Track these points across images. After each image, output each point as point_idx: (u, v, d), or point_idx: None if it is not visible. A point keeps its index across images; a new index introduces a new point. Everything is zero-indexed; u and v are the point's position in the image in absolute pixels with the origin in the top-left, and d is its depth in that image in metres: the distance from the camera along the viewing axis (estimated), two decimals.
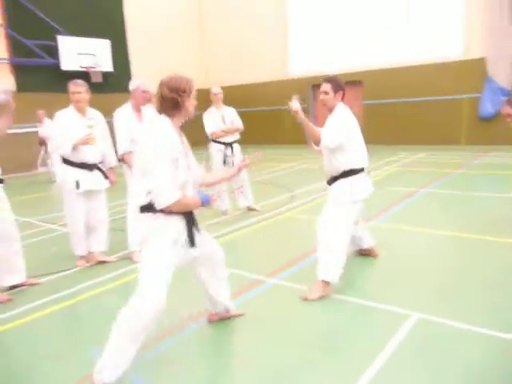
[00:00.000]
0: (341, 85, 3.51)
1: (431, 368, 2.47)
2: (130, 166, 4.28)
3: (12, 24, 12.10)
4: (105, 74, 13.77)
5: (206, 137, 6.17)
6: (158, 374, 2.57)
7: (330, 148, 3.44)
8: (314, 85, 14.60)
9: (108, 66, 13.81)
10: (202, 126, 6.05)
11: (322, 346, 2.79)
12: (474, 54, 11.61)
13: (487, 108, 11.47)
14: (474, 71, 11.60)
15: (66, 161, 4.27)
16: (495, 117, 11.14)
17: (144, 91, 4.38)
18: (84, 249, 4.44)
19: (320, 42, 14.32)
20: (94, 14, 13.63)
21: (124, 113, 4.40)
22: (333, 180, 3.57)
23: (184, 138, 2.55)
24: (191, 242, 2.53)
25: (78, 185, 4.23)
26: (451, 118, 12.23)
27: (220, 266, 2.92)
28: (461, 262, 4.06)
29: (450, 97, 12.12)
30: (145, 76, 4.67)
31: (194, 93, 2.46)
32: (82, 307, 3.55)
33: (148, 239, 2.43)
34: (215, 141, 6.11)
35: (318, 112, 14.84)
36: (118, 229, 5.20)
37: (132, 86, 4.42)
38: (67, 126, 4.16)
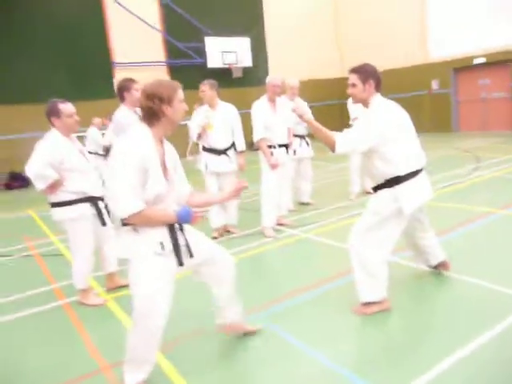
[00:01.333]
0: (370, 72, 2.99)
1: None
2: (264, 152, 4.85)
3: (168, 29, 13.82)
4: (245, 70, 14.84)
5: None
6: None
7: (353, 153, 3.09)
8: (456, 68, 13.70)
9: (248, 62, 14.86)
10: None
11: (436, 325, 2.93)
12: None
13: None
14: None
15: (202, 147, 5.08)
16: None
17: (274, 85, 4.91)
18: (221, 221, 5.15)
19: (461, 21, 13.27)
20: (235, 14, 14.75)
21: (260, 104, 4.97)
22: (376, 189, 3.03)
23: (169, 150, 2.34)
24: (177, 253, 2.26)
25: (206, 166, 4.99)
26: None
27: (228, 283, 2.58)
28: None
29: None
30: (281, 70, 5.18)
31: (178, 99, 2.22)
32: None
33: (131, 255, 2.24)
34: None
35: (460, 97, 13.89)
36: (251, 209, 5.85)
37: (267, 80, 4.97)
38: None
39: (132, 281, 2.25)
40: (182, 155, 12.95)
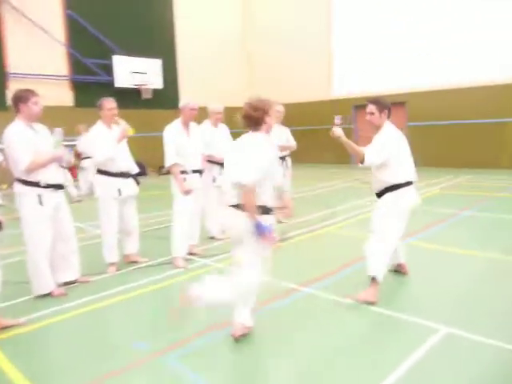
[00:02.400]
0: (385, 104, 3.75)
1: (453, 378, 2.55)
2: (176, 177, 4.63)
3: (72, 43, 13.04)
4: (155, 91, 14.48)
5: None
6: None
7: (374, 165, 3.66)
8: (357, 106, 14.74)
9: (158, 84, 14.53)
10: None
11: (348, 351, 2.91)
12: None
13: None
14: None
15: (104, 172, 4.59)
16: None
17: (192, 109, 4.74)
18: (116, 255, 4.74)
19: (363, 64, 14.44)
20: (147, 34, 14.42)
21: (173, 128, 4.75)
22: (379, 194, 3.80)
23: None
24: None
25: (119, 192, 4.60)
26: (495, 142, 11.99)
27: None
28: (497, 283, 4.06)
29: (495, 120, 11.90)
30: (191, 94, 5.05)
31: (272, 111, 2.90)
32: (127, 304, 3.83)
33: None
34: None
35: (360, 132, 14.92)
36: (163, 237, 5.52)
37: (182, 103, 4.78)
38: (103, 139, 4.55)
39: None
40: None
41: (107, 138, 4.53)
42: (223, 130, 5.81)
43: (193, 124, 4.93)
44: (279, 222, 6.55)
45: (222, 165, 5.75)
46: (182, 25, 15.53)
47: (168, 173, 4.81)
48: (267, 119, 2.87)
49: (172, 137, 4.70)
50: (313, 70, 15.69)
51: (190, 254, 5.06)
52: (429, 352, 2.82)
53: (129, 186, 4.69)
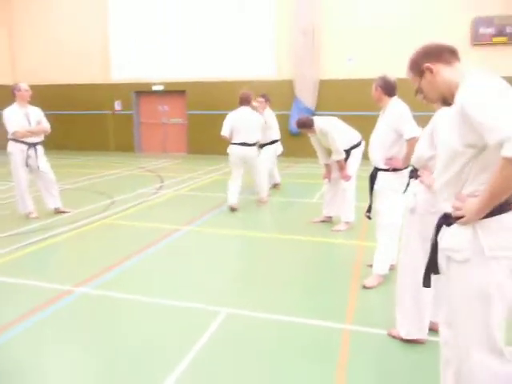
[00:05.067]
0: (268, 98, 7.22)
1: (239, 358, 2.62)
2: None
3: None
4: None
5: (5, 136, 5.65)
6: None
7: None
8: (137, 91, 14.34)
9: None
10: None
11: (128, 348, 2.70)
12: (285, 76, 12.93)
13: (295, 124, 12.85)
14: (284, 90, 12.91)
15: None
16: (301, 133, 12.53)
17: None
18: None
19: (142, 50, 14.03)
20: None
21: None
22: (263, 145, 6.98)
23: None
24: None
25: None
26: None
27: None
28: (267, 259, 4.43)
29: None
30: None
31: None
32: None
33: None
34: (17, 140, 5.64)
35: (142, 119, 14.59)
36: None
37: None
38: None
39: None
40: None
41: None
42: None
43: None
44: (62, 212, 5.90)
45: None
46: None
47: None
48: None
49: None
50: (88, 52, 14.45)
51: None
52: (214, 334, 2.83)
53: None
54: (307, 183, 8.94)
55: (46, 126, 5.85)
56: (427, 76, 1.83)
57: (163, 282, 3.79)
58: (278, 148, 7.70)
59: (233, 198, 6.19)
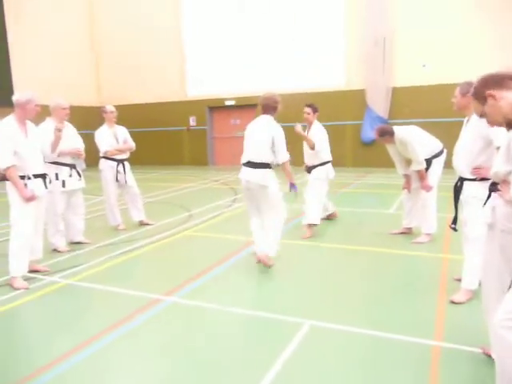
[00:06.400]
0: (316, 108, 5.70)
1: (324, 371, 2.62)
2: (15, 182, 3.97)
3: None
4: None
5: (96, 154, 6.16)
6: None
7: (318, 150, 5.50)
8: (211, 106, 14.88)
9: None
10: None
11: (216, 359, 2.79)
12: (355, 86, 12.78)
13: (368, 134, 12.61)
14: (355, 100, 12.75)
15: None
16: (375, 142, 12.24)
17: (37, 105, 4.15)
18: None
19: (215, 67, 14.63)
20: None
21: (7, 125, 4.05)
22: (313, 167, 5.63)
23: None
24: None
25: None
26: (338, 142, 13.25)
27: None
28: (348, 272, 4.38)
29: (336, 123, 13.15)
30: (31, 90, 4.39)
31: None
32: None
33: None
34: (108, 158, 6.13)
35: (215, 133, 15.09)
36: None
37: (23, 98, 4.10)
38: None
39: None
40: None
41: None
42: (70, 127, 5.24)
43: (30, 123, 4.28)
44: (145, 224, 6.27)
45: (72, 166, 5.20)
46: (12, 17, 13.69)
47: (3, 178, 4.09)
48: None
49: (7, 135, 4.01)
50: (166, 70, 15.31)
51: (32, 271, 4.41)
52: (298, 346, 2.86)
53: None
54: (381, 193, 8.72)
55: (132, 144, 6.28)
56: (490, 102, 2.14)
57: (245, 293, 3.88)
58: (330, 171, 5.77)
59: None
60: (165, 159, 15.36)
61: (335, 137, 13.30)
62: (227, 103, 14.48)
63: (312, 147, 5.48)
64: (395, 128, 5.11)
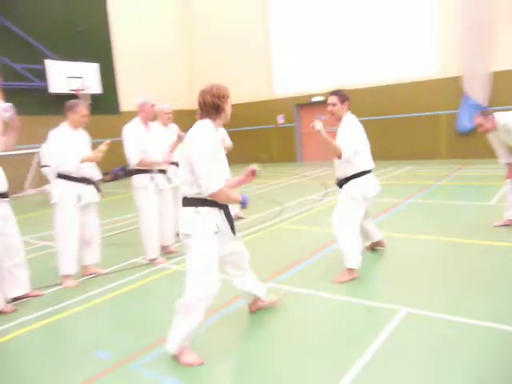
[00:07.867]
0: (345, 95, 4.03)
1: (419, 358, 2.68)
2: (148, 165, 4.71)
3: (1, 48, 12.29)
4: (93, 96, 13.97)
5: None
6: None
7: (350, 156, 3.84)
8: (298, 104, 15.07)
9: (96, 89, 14.03)
10: None
11: (312, 341, 2.97)
12: (450, 73, 12.14)
13: (465, 123, 11.93)
14: (450, 89, 12.12)
15: (65, 177, 4.30)
16: (472, 132, 11.54)
17: (153, 105, 4.72)
18: (75, 266, 4.42)
19: (302, 63, 14.80)
20: (80, 37, 13.90)
21: (133, 126, 4.67)
22: (345, 181, 3.99)
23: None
24: (232, 228, 2.83)
25: (79, 199, 4.35)
26: (431, 134, 12.71)
27: (245, 262, 3.25)
28: (445, 262, 4.31)
29: (429, 113, 12.60)
30: (132, 99, 5.01)
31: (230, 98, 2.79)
32: (81, 317, 3.68)
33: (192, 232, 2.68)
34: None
35: (303, 130, 15.25)
36: (119, 244, 5.35)
37: (140, 100, 4.68)
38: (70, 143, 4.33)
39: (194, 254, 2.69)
40: (18, 188, 11.45)
41: (75, 143, 4.35)
42: (173, 130, 5.75)
43: (151, 122, 4.92)
44: (239, 218, 6.66)
45: (176, 164, 5.71)
46: (117, 27, 15.10)
47: (128, 174, 4.73)
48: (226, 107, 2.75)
49: (133, 135, 4.62)
50: (253, 70, 15.83)
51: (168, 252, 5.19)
52: (393, 331, 2.94)
53: (89, 192, 4.43)
54: (481, 185, 8.26)
55: (229, 143, 6.65)
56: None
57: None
58: (371, 186, 4.05)
59: None
60: (254, 157, 15.85)
61: (428, 128, 12.87)
62: (314, 99, 14.56)
63: (338, 155, 3.82)
64: (496, 114, 4.89)
